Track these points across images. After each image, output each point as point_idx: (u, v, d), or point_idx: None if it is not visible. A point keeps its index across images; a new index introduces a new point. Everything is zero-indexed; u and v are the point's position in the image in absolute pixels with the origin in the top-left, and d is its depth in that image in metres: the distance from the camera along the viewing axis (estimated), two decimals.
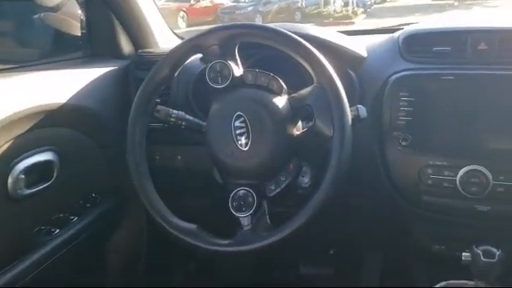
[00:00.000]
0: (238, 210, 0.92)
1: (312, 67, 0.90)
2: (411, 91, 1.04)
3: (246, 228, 0.92)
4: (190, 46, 0.97)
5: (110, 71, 1.31)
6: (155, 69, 0.99)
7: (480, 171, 0.98)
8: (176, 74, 1.01)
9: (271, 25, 0.97)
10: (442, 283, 1.08)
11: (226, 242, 0.92)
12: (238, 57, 0.96)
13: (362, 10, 8.51)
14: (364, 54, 1.15)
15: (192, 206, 1.30)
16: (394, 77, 1.06)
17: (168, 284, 1.60)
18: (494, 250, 0.93)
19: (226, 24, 0.96)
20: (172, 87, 1.22)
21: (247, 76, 0.95)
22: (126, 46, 1.41)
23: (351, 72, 1.12)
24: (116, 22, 1.38)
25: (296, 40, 0.90)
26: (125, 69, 1.35)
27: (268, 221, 0.92)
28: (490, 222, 1.03)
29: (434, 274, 1.15)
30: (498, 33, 1.02)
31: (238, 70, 0.95)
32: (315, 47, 0.91)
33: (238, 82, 0.94)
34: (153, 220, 0.97)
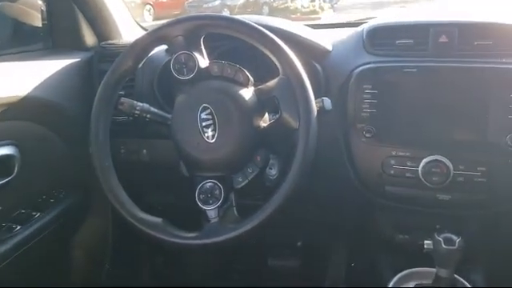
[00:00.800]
0: (205, 202, 0.92)
1: (278, 59, 0.90)
2: (375, 84, 1.05)
3: (213, 220, 0.92)
4: (154, 36, 0.96)
5: (73, 63, 1.28)
6: (118, 60, 0.97)
7: (441, 161, 1.01)
8: (140, 65, 0.99)
9: (237, 16, 0.97)
10: (405, 271, 1.11)
11: (192, 234, 0.92)
12: (203, 48, 0.95)
13: (328, 5, 8.58)
14: (329, 47, 1.16)
15: (159, 200, 1.29)
16: (357, 70, 1.07)
17: (135, 279, 1.58)
18: (455, 237, 0.96)
19: (191, 15, 0.95)
20: (137, 79, 1.20)
21: (213, 67, 0.94)
22: (88, 38, 1.38)
23: (317, 65, 1.13)
24: (78, 13, 1.34)
25: (262, 32, 0.90)
26: (88, 61, 1.32)
27: (235, 213, 0.93)
28: (451, 211, 1.07)
29: (398, 262, 1.18)
30: (458, 26, 1.04)
31: (203, 62, 0.94)
32: (281, 39, 0.91)
33: (204, 74, 0.94)
34: (118, 215, 0.96)
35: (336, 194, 1.21)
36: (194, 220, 0.94)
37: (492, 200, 1.03)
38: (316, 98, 0.92)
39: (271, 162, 0.97)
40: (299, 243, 1.60)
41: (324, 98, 0.96)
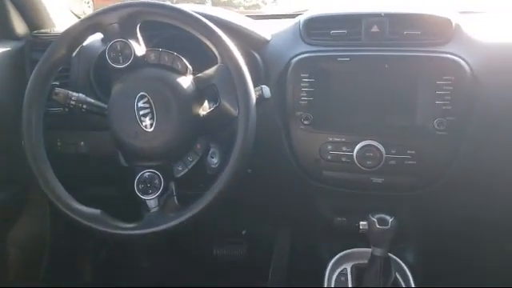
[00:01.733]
0: (144, 192, 0.91)
1: (216, 47, 0.90)
2: (311, 72, 1.08)
3: (153, 210, 0.91)
4: (87, 24, 0.93)
5: (3, 53, 1.22)
6: (50, 49, 0.94)
7: (374, 146, 1.05)
8: (74, 54, 0.97)
9: (175, 4, 0.97)
10: (342, 253, 1.16)
11: (132, 225, 0.91)
12: (139, 36, 0.94)
13: None
14: (268, 36, 1.18)
15: (99, 192, 1.26)
16: (295, 59, 1.10)
17: (75, 277, 1.54)
18: (388, 217, 1.01)
19: (126, 2, 0.93)
20: (72, 69, 1.16)
21: (150, 55, 0.93)
22: (19, 27, 1.31)
23: (256, 54, 1.14)
24: (7, 1, 1.28)
25: (199, 19, 0.90)
26: (19, 50, 1.26)
27: (176, 202, 0.92)
28: (384, 193, 1.12)
29: (337, 244, 1.23)
30: (388, 16, 1.09)
31: (140, 50, 0.93)
32: (219, 28, 0.91)
33: (141, 62, 0.93)
34: (55, 209, 0.93)
35: (277, 181, 1.23)
36: (135, 211, 0.93)
37: (421, 181, 1.09)
38: (255, 86, 0.94)
39: (212, 150, 0.97)
40: (244, 231, 1.62)
41: (263, 86, 0.98)
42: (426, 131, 1.04)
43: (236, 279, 1.48)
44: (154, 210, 0.91)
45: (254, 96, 0.89)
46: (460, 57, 1.03)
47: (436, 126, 1.03)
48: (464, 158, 1.06)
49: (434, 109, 1.03)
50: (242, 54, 0.91)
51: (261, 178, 1.21)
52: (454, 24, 1.07)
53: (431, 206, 1.16)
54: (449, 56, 1.03)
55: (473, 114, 1.04)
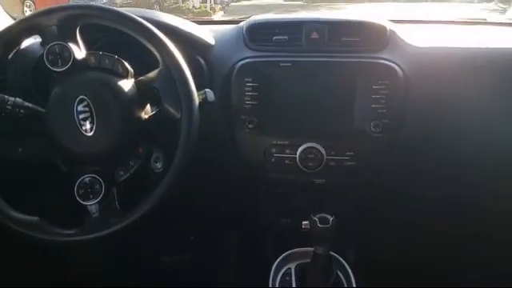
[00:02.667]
0: (85, 197, 0.90)
1: (157, 50, 0.90)
2: (255, 77, 1.11)
3: (94, 215, 0.90)
4: (23, 26, 0.91)
5: None
6: None
7: (315, 148, 1.09)
8: (10, 56, 0.94)
9: (116, 8, 0.96)
10: (286, 253, 1.18)
11: (72, 231, 0.89)
12: (79, 39, 0.93)
13: (220, 6, 8.66)
14: (211, 41, 1.19)
15: (38, 199, 1.22)
16: (239, 64, 1.12)
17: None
18: (329, 216, 1.04)
19: (66, 4, 0.92)
20: (9, 72, 1.12)
21: (90, 58, 0.92)
22: None
23: (200, 58, 1.15)
24: None
25: (140, 23, 0.90)
26: None
27: (117, 206, 0.91)
28: (325, 193, 1.16)
29: (283, 245, 1.25)
30: (327, 23, 1.13)
31: (79, 53, 0.92)
32: (163, 32, 0.91)
33: (81, 65, 0.91)
34: None
35: (223, 184, 1.24)
36: (75, 217, 0.91)
37: (360, 181, 1.14)
38: (199, 90, 0.95)
39: (156, 155, 0.97)
40: (192, 237, 1.62)
41: (206, 89, 0.99)
42: (364, 133, 1.09)
43: (183, 285, 1.47)
44: (95, 215, 0.89)
45: (196, 99, 0.90)
46: (394, 62, 1.09)
47: (372, 129, 1.08)
48: (399, 158, 1.12)
49: (371, 112, 1.08)
50: (185, 58, 0.92)
51: (207, 181, 1.22)
52: (388, 31, 1.13)
53: (370, 204, 1.21)
54: (384, 62, 1.09)
55: (406, 116, 1.10)
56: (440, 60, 1.13)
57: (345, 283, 1.12)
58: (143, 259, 1.63)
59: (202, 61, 1.15)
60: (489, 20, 1.50)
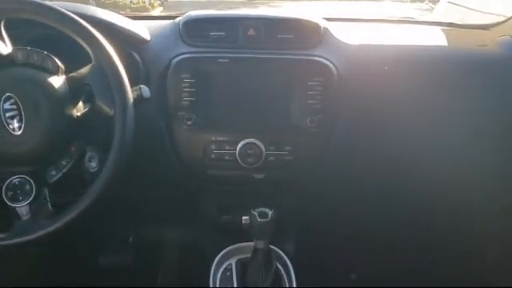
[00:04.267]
0: (14, 199, 0.86)
1: (89, 45, 0.87)
2: (192, 73, 1.10)
3: (24, 218, 0.86)
4: None
5: None
6: None
7: (255, 144, 1.10)
8: None
9: (46, 2, 0.92)
10: (227, 249, 1.19)
11: (2, 235, 0.85)
12: (4, 34, 0.88)
13: (159, 2, 8.47)
14: (147, 36, 1.17)
15: None
16: (175, 59, 1.11)
17: None
18: (268, 210, 1.06)
19: None
20: None
21: (17, 54, 0.88)
22: None
23: (135, 54, 1.13)
24: None
25: (70, 17, 0.87)
26: None
27: (50, 208, 0.88)
28: (266, 188, 1.18)
29: (224, 241, 1.25)
30: (263, 20, 1.15)
31: (5, 48, 0.87)
32: (94, 27, 0.89)
33: (6, 61, 0.87)
34: None
35: (162, 182, 1.22)
36: (6, 220, 0.87)
37: (298, 175, 1.16)
38: (134, 86, 0.93)
39: (90, 153, 0.94)
40: (130, 238, 1.58)
41: (141, 85, 0.97)
42: (301, 129, 1.11)
43: (123, 286, 1.43)
44: (26, 217, 0.86)
45: (130, 96, 0.88)
46: (328, 59, 1.12)
47: (309, 124, 1.11)
48: (334, 151, 1.16)
49: (307, 108, 1.11)
50: (119, 54, 0.90)
51: (145, 180, 1.20)
52: (322, 29, 1.16)
53: (308, 198, 1.24)
54: (318, 59, 1.11)
55: (341, 111, 1.13)
56: (371, 57, 1.18)
57: (284, 276, 1.14)
58: (80, 261, 1.57)
59: (137, 56, 1.13)
60: (417, 19, 1.58)
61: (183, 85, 1.10)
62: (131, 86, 0.91)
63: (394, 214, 1.39)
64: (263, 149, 1.10)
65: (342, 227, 1.40)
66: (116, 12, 1.22)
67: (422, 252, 1.47)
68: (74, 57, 0.97)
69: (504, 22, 1.30)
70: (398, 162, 1.23)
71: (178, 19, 1.21)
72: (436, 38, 1.30)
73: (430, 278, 1.44)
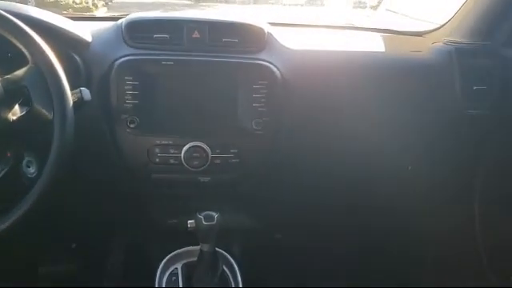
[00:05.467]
0: None
1: (25, 46, 0.84)
2: (135, 75, 1.08)
3: None
4: None
5: None
6: None
7: (200, 147, 1.10)
8: None
9: None
10: (172, 253, 1.18)
11: None
12: None
13: (102, 2, 8.26)
14: (88, 38, 1.14)
15: None
16: (118, 61, 1.09)
17: None
18: (213, 213, 1.06)
19: None
20: None
21: None
22: None
23: (75, 55, 1.10)
24: None
25: (4, 16, 0.83)
26: None
27: None
28: (211, 191, 1.18)
29: (170, 246, 1.24)
30: (208, 23, 1.15)
31: None
32: (31, 27, 0.86)
33: None
34: None
35: (106, 187, 1.20)
36: None
37: (244, 177, 1.17)
38: (75, 89, 0.90)
39: (28, 158, 0.90)
40: (73, 245, 1.53)
41: (82, 88, 0.95)
42: (246, 131, 1.13)
43: None
44: None
45: (70, 98, 0.85)
46: (272, 63, 1.14)
47: (254, 126, 1.12)
48: (280, 153, 1.18)
49: (252, 110, 1.12)
50: (58, 55, 0.87)
51: (88, 185, 1.17)
52: (266, 33, 1.18)
53: (254, 199, 1.26)
54: (262, 62, 1.13)
55: (285, 114, 1.16)
56: (314, 61, 1.21)
57: (231, 278, 1.15)
58: (21, 270, 1.50)
59: (77, 58, 1.10)
60: (357, 25, 1.65)
61: (126, 87, 1.08)
62: (71, 89, 0.88)
63: (337, 215, 1.43)
64: (209, 152, 1.10)
65: (288, 228, 1.43)
66: (57, 12, 1.19)
67: (363, 252, 1.52)
68: (9, 58, 0.93)
69: (437, 29, 1.37)
70: (340, 162, 1.27)
71: (120, 21, 1.18)
72: (374, 44, 1.36)
73: (369, 276, 1.49)
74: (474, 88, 1.21)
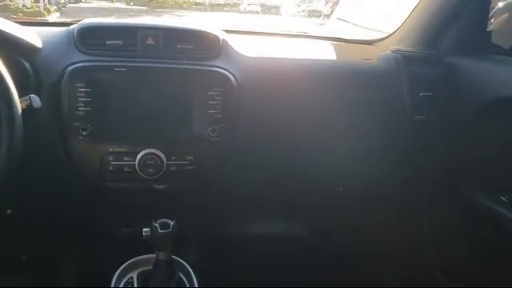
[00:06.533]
0: None
1: None
2: (88, 82, 1.06)
3: None
4: None
5: None
6: None
7: (155, 154, 1.09)
8: None
9: None
10: (127, 262, 1.16)
11: None
12: None
13: (55, 7, 8.04)
14: (38, 44, 1.11)
15: None
16: (69, 68, 1.07)
17: None
18: (169, 221, 1.05)
19: None
20: None
21: None
22: None
23: (24, 62, 1.07)
24: None
25: None
26: None
27: None
28: (166, 198, 1.17)
29: (125, 255, 1.22)
30: (162, 30, 1.14)
31: None
32: None
33: None
34: None
35: (57, 197, 1.17)
36: None
37: (200, 184, 1.17)
38: (24, 96, 0.88)
39: None
40: (24, 257, 1.47)
41: (32, 95, 0.92)
42: (202, 138, 1.13)
43: None
44: None
45: (18, 105, 0.83)
46: (227, 70, 1.14)
47: (210, 133, 1.13)
48: (236, 160, 1.18)
49: (208, 117, 1.12)
50: (6, 61, 0.85)
51: (38, 194, 1.13)
52: (221, 41, 1.19)
53: (211, 206, 1.26)
54: (217, 69, 1.14)
55: (241, 120, 1.17)
56: (269, 69, 1.23)
57: (187, 285, 1.14)
58: None
59: (26, 64, 1.07)
60: (310, 34, 1.69)
61: (78, 94, 1.06)
62: (20, 96, 0.86)
63: (296, 218, 1.45)
64: (164, 159, 1.09)
65: (245, 234, 1.44)
66: (7, 16, 1.15)
67: (317, 254, 1.55)
68: None
69: (385, 38, 1.43)
70: (296, 166, 1.29)
71: (72, 26, 1.16)
72: (327, 52, 1.39)
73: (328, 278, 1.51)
74: (421, 95, 1.26)
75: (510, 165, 1.13)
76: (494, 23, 1.33)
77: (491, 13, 1.32)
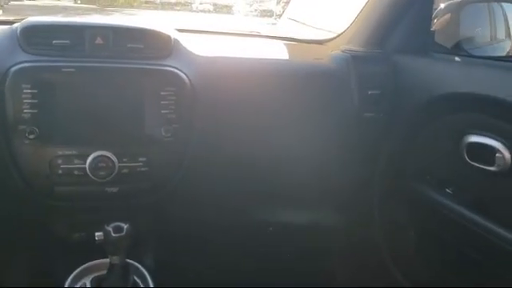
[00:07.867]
0: None
1: None
2: (33, 83, 1.03)
3: None
4: None
5: None
6: None
7: (106, 156, 1.06)
8: None
9: None
10: (80, 267, 1.13)
11: None
12: None
13: None
14: None
15: None
16: (13, 68, 1.03)
17: None
18: (123, 224, 1.03)
19: None
20: None
21: None
22: None
23: None
24: None
25: None
26: None
27: None
28: (120, 202, 1.14)
29: (78, 261, 1.18)
30: (112, 29, 1.12)
31: None
32: None
33: None
34: None
35: (3, 202, 1.12)
36: None
37: (154, 186, 1.15)
38: None
39: None
40: None
41: None
42: (155, 139, 1.11)
43: None
44: None
45: None
46: (179, 69, 1.13)
47: (164, 134, 1.11)
48: (191, 161, 1.18)
49: (161, 117, 1.11)
50: None
51: None
52: (173, 39, 1.18)
53: (165, 208, 1.24)
54: (169, 69, 1.12)
55: (195, 120, 1.16)
56: (221, 68, 1.23)
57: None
58: None
59: None
60: (263, 33, 1.70)
61: (23, 96, 1.02)
62: None
63: (253, 217, 1.45)
64: (116, 161, 1.07)
65: (202, 235, 1.43)
66: None
67: (282, 253, 1.56)
68: None
69: (335, 37, 1.46)
70: (254, 165, 1.30)
71: (16, 25, 1.12)
72: (278, 52, 1.41)
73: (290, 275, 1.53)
74: (369, 93, 1.30)
75: (451, 158, 1.19)
76: (436, 23, 1.39)
77: (434, 13, 1.38)
